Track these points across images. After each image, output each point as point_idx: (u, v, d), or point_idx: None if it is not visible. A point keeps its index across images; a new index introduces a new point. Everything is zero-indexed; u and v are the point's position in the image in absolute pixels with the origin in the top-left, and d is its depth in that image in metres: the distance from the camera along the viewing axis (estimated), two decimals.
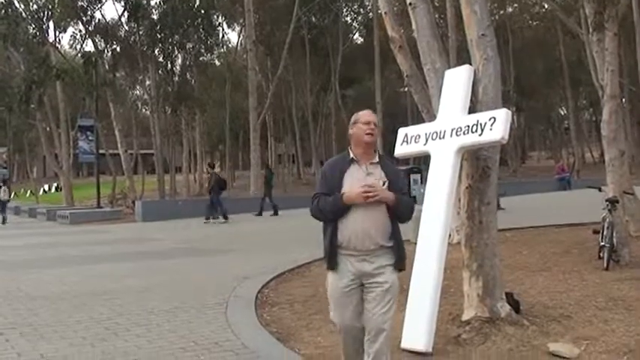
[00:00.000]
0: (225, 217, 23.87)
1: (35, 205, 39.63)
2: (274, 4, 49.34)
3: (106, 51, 43.41)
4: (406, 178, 33.91)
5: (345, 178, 4.45)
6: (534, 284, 8.38)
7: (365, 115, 4.61)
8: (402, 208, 4.48)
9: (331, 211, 4.43)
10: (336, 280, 4.50)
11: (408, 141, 6.87)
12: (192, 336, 6.55)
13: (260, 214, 26.35)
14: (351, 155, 4.54)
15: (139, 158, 56.13)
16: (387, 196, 4.38)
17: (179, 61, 46.34)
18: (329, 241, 4.46)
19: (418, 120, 8.90)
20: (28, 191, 63.18)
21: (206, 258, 13.31)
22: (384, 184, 4.43)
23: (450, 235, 7.38)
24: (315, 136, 57.20)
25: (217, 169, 26.91)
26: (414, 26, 7.30)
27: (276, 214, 26.36)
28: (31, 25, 37.76)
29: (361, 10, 58.33)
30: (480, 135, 6.01)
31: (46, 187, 67.14)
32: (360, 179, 4.41)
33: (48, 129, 45.42)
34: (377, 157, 4.58)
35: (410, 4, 7.28)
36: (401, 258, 4.50)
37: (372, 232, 4.39)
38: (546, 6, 44.87)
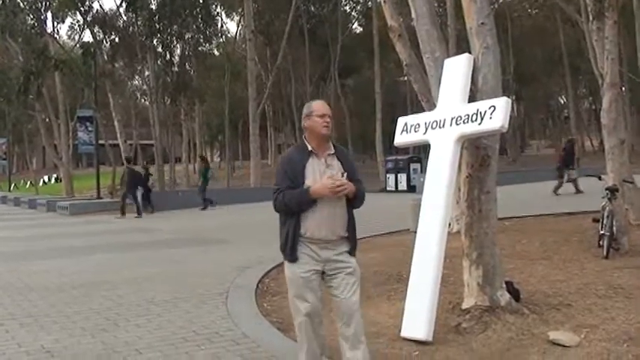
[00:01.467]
0: (139, 213, 23.58)
1: (35, 196, 39.54)
2: None
3: (104, 41, 43.32)
4: (406, 167, 33.98)
5: (307, 170, 4.54)
6: (534, 273, 8.39)
7: (319, 107, 4.68)
8: (360, 197, 4.66)
9: (297, 205, 4.51)
10: (298, 268, 4.56)
11: (408, 130, 6.86)
12: (192, 326, 6.56)
13: (205, 207, 25.92)
14: (309, 147, 4.62)
15: (138, 149, 56.12)
16: (352, 189, 4.54)
17: (178, 51, 46.20)
18: (292, 233, 4.53)
19: (418, 109, 8.89)
20: (28, 182, 63.16)
21: (206, 248, 13.32)
22: (342, 175, 4.53)
23: (449, 224, 7.38)
24: None
25: (151, 167, 26.68)
26: (413, 15, 7.26)
27: (204, 208, 25.82)
28: (29, 15, 37.64)
29: None
30: (479, 124, 6.00)
31: (46, 178, 67.13)
32: (320, 171, 4.54)
33: (47, 120, 45.38)
34: (332, 147, 4.68)
35: None
36: (355, 246, 4.69)
37: (334, 224, 4.55)
38: None
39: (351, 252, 4.65)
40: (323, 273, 4.60)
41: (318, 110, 4.63)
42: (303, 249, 4.55)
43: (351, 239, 4.65)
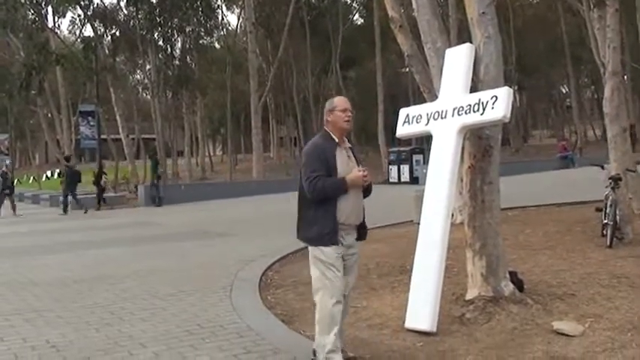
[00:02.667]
0: (65, 211, 24.13)
1: (38, 192, 39.60)
2: None
3: (105, 36, 43.32)
4: (408, 158, 33.96)
5: (337, 159, 4.88)
6: (538, 263, 8.39)
7: (342, 102, 5.03)
8: (370, 190, 5.09)
9: (334, 192, 4.80)
10: (333, 250, 4.82)
11: (410, 121, 6.85)
12: (197, 319, 6.57)
13: (156, 203, 26.08)
14: (336, 139, 4.95)
15: (140, 143, 56.13)
16: (370, 179, 4.97)
17: (179, 44, 46.18)
18: (332, 220, 4.81)
19: (419, 100, 8.90)
20: (31, 177, 63.23)
21: (210, 241, 13.34)
22: (358, 167, 4.96)
23: (452, 215, 7.38)
24: (317, 119, 57.03)
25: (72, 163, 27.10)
26: (414, 5, 7.25)
27: (159, 205, 25.89)
28: (30, 10, 37.62)
29: None
30: (481, 114, 5.98)
31: (49, 173, 67.12)
32: (346, 162, 4.93)
33: (49, 115, 45.44)
34: (346, 140, 5.08)
35: None
36: (366, 231, 5.16)
37: (360, 211, 4.99)
38: None
39: (360, 238, 5.07)
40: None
41: (340, 105, 4.98)
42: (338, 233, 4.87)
43: (363, 226, 5.08)
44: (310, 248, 4.98)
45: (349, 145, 5.05)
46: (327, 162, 4.82)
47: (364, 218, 5.06)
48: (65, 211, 24.09)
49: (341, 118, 4.93)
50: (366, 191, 5.04)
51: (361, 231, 5.07)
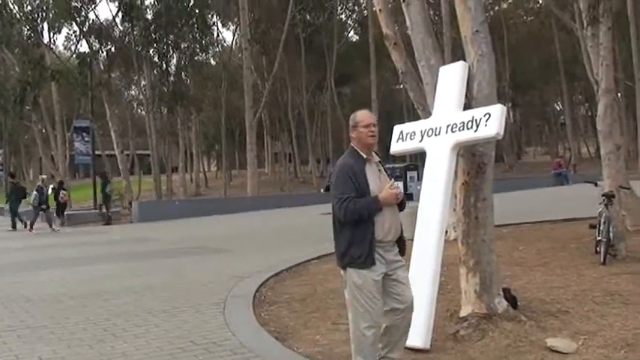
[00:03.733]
0: (13, 227, 24.17)
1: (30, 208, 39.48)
2: (269, 3, 49.34)
3: (100, 51, 43.43)
4: (403, 175, 34.01)
5: (368, 177, 4.73)
6: (531, 280, 8.39)
7: (365, 118, 4.85)
8: (404, 204, 4.94)
9: (368, 212, 4.65)
10: (370, 272, 4.65)
11: (404, 138, 6.87)
12: (190, 336, 6.55)
13: (107, 222, 26.25)
14: (364, 155, 4.81)
15: (135, 159, 56.16)
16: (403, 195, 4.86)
17: (174, 60, 46.32)
18: (370, 240, 4.65)
19: (414, 117, 8.94)
20: (52, 192, 62.98)
21: (204, 257, 13.30)
22: (390, 180, 4.87)
23: (446, 232, 7.38)
24: (312, 135, 57.22)
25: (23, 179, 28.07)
26: (408, 23, 7.28)
27: (108, 224, 26.02)
28: (25, 26, 37.72)
29: (356, 7, 58.47)
30: (475, 131, 6.01)
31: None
32: (377, 178, 4.80)
33: (44, 130, 45.38)
34: (375, 155, 4.93)
35: (403, 0, 7.26)
36: (405, 245, 4.96)
37: (397, 227, 4.84)
38: (541, 1, 44.98)
39: (401, 251, 4.93)
40: (385, 275, 4.75)
41: (363, 121, 4.83)
42: (374, 253, 4.70)
43: (402, 240, 4.92)
44: (345, 272, 4.81)
45: (378, 159, 4.92)
46: (357, 182, 4.67)
47: (402, 232, 4.93)
48: (14, 227, 24.14)
49: (365, 134, 4.79)
50: (400, 205, 4.89)
51: (400, 245, 4.91)
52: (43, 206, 23.48)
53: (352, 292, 4.72)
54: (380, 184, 4.75)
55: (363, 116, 4.87)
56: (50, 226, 23.02)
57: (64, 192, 27.38)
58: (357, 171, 4.71)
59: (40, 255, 15.16)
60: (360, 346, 4.75)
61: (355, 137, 4.83)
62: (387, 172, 4.97)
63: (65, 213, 27.22)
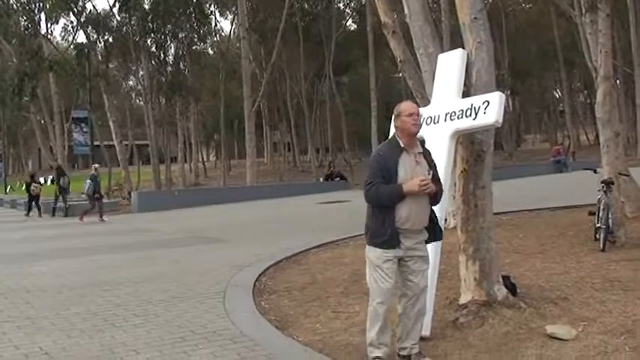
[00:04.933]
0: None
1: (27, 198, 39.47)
2: None
3: (98, 42, 43.34)
4: None
5: (399, 166, 4.92)
6: (531, 267, 8.40)
7: (408, 107, 5.05)
8: (439, 197, 5.13)
9: (389, 199, 4.88)
10: (385, 252, 4.93)
11: None
12: (190, 325, 6.56)
13: (53, 214, 27.05)
14: (402, 144, 4.99)
15: (134, 149, 56.09)
16: (434, 189, 4.94)
17: (172, 50, 46.24)
18: (390, 225, 4.89)
19: None
20: (24, 184, 63.01)
21: (203, 247, 13.31)
22: (429, 173, 4.97)
23: (446, 220, 7.39)
24: (311, 124, 57.16)
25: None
26: (406, 11, 7.25)
27: (65, 214, 26.50)
28: (22, 17, 37.59)
29: None
30: (474, 119, 6.00)
31: (42, 179, 67.00)
32: (412, 167, 4.95)
33: (42, 121, 45.36)
34: (420, 146, 5.12)
35: None
36: (435, 233, 5.21)
37: (420, 217, 5.00)
38: None
39: (428, 240, 5.14)
40: (400, 259, 4.98)
41: (406, 110, 5.00)
42: (395, 239, 4.93)
43: (430, 230, 5.12)
44: (366, 248, 5.11)
45: (420, 151, 5.06)
46: (387, 169, 4.90)
47: (436, 220, 5.17)
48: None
49: (408, 122, 4.96)
50: (434, 198, 5.05)
51: (432, 233, 5.16)
52: (97, 195, 23.26)
53: (369, 268, 5.05)
54: (413, 174, 4.89)
55: (407, 106, 5.07)
56: (101, 216, 22.79)
57: (36, 184, 28.27)
58: (387, 159, 4.95)
59: (40, 246, 15.17)
60: (373, 320, 5.02)
61: (398, 126, 5.03)
62: (429, 164, 5.05)
63: (40, 204, 28.10)
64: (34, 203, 27.90)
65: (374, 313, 5.00)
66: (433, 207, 5.16)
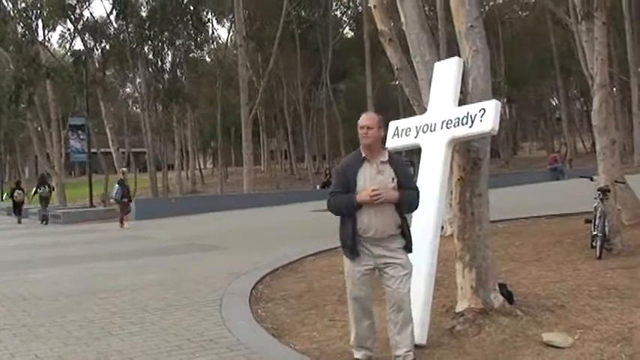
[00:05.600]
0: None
1: (28, 206, 39.47)
2: None
3: (95, 49, 43.31)
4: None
5: (359, 176, 5.05)
6: (527, 275, 8.41)
7: (361, 120, 5.17)
8: (405, 204, 5.10)
9: (345, 208, 5.06)
10: (355, 265, 5.10)
11: (399, 134, 6.89)
12: (186, 333, 6.55)
13: (43, 221, 27.94)
14: (363, 154, 5.13)
15: (130, 156, 56.04)
16: (391, 196, 4.98)
17: (169, 58, 46.29)
18: (351, 233, 5.02)
19: (409, 113, 8.93)
20: (10, 192, 62.71)
21: (200, 254, 13.30)
22: (392, 181, 5.03)
23: (442, 228, 7.39)
24: (308, 131, 57.18)
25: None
26: (402, 19, 7.28)
27: (43, 222, 27.80)
28: (19, 24, 37.61)
29: (351, 3, 58.38)
30: (470, 127, 6.02)
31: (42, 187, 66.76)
32: (372, 177, 5.03)
33: (39, 128, 45.26)
34: (386, 155, 5.17)
35: None
36: (409, 241, 5.14)
37: (381, 225, 5.00)
38: None
39: (406, 248, 5.13)
40: (376, 269, 5.10)
41: (360, 123, 5.15)
42: (360, 247, 5.05)
43: (404, 236, 5.11)
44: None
45: (384, 160, 5.10)
46: (347, 179, 5.07)
47: (404, 229, 5.12)
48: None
49: (360, 134, 5.13)
50: (400, 206, 5.06)
51: (406, 242, 5.15)
52: (125, 200, 23.13)
53: (345, 276, 5.25)
54: (372, 183, 4.97)
55: (361, 118, 5.18)
56: (121, 221, 22.73)
57: (19, 191, 29.09)
58: (348, 169, 5.13)
59: (36, 253, 15.15)
60: (351, 324, 5.29)
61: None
62: (397, 172, 5.07)
63: (22, 210, 29.46)
64: (17, 210, 28.90)
65: (352, 318, 5.25)
66: (411, 214, 5.33)
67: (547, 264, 9.17)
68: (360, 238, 5.01)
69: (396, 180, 5.03)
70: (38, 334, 6.79)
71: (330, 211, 5.18)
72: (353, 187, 5.01)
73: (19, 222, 28.10)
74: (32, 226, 26.71)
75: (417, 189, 5.20)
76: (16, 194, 28.72)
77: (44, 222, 27.88)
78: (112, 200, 23.83)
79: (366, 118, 5.16)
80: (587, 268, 8.67)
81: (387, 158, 5.12)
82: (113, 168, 42.79)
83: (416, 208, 5.25)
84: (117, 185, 23.14)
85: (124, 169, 27.04)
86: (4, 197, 54.85)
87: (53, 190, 30.75)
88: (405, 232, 5.12)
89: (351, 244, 5.02)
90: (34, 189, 29.52)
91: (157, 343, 6.21)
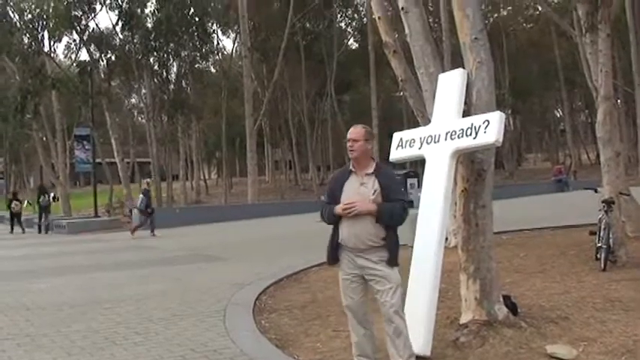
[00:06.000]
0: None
1: (32, 216, 39.53)
2: (269, 11, 49.42)
3: (100, 60, 43.48)
4: (403, 182, 33.97)
5: (344, 188, 5.17)
6: (531, 286, 8.39)
7: (349, 133, 5.28)
8: (384, 215, 5.04)
9: (328, 219, 5.23)
10: (341, 271, 5.27)
11: (403, 145, 6.89)
12: (190, 344, 6.54)
13: (42, 231, 28.86)
14: (350, 167, 5.25)
15: (135, 166, 56.21)
16: (366, 209, 5.01)
17: (174, 69, 46.44)
18: (331, 241, 5.23)
19: (414, 124, 8.91)
20: (25, 201, 62.85)
21: (204, 265, 13.31)
22: (374, 193, 5.06)
23: (446, 239, 7.38)
24: (312, 142, 57.23)
25: None
26: (407, 31, 7.29)
27: (41, 232, 28.77)
28: (25, 35, 37.80)
29: (355, 15, 58.50)
30: (474, 138, 6.02)
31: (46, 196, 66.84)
32: (354, 189, 5.12)
33: (44, 139, 45.41)
34: (373, 167, 5.20)
35: (402, 8, 7.27)
36: (392, 255, 5.10)
37: (362, 236, 5.06)
38: (540, 8, 45.00)
39: (389, 262, 5.09)
40: (363, 278, 5.17)
41: (348, 136, 5.27)
42: (343, 256, 5.20)
43: (388, 249, 5.09)
44: None
45: (369, 172, 5.15)
46: (332, 191, 5.25)
47: (388, 242, 5.07)
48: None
49: (348, 148, 5.25)
50: (380, 218, 5.02)
51: (389, 254, 5.13)
52: (149, 210, 23.21)
53: None
54: (355, 196, 5.06)
55: (350, 131, 5.30)
56: (152, 231, 22.67)
57: (17, 202, 29.40)
58: (335, 181, 5.35)
59: (41, 263, 15.16)
60: (351, 332, 5.38)
61: None
62: (382, 184, 5.08)
63: (22, 220, 29.64)
64: (15, 220, 29.09)
65: (349, 325, 5.37)
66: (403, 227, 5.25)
67: (551, 276, 9.15)
68: (343, 247, 5.16)
69: (377, 192, 5.05)
70: (42, 344, 6.79)
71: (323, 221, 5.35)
72: (338, 198, 5.15)
73: (23, 232, 28.49)
74: (36, 236, 26.75)
75: (402, 201, 5.17)
76: (13, 205, 29.12)
77: (46, 231, 28.45)
78: (135, 210, 23.78)
79: (353, 132, 5.27)
80: (591, 280, 8.65)
81: (372, 170, 5.17)
82: (118, 178, 42.86)
83: (399, 220, 5.10)
84: (141, 195, 23.27)
85: (149, 179, 27.18)
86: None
87: (54, 200, 31.38)
88: (389, 245, 5.08)
89: (330, 250, 5.22)
90: (36, 199, 30.11)
91: (160, 354, 6.21)
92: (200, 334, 6.97)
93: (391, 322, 5.08)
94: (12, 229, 28.81)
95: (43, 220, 29.02)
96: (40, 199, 29.23)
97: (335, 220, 5.14)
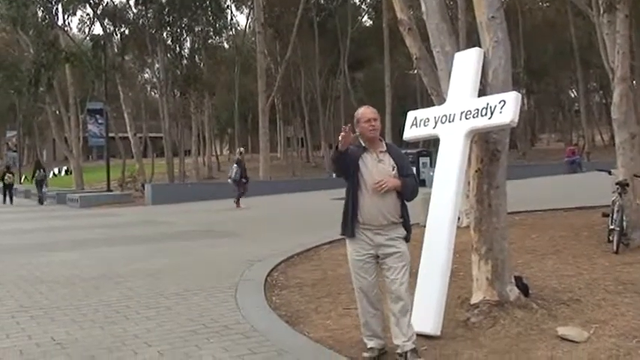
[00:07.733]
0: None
1: (45, 189, 39.81)
2: None
3: (114, 34, 43.44)
4: (415, 161, 33.91)
5: (361, 162, 5.17)
6: (543, 268, 8.37)
7: (365, 114, 5.27)
8: (407, 191, 5.23)
9: (332, 155, 5.19)
10: (355, 252, 5.22)
11: (417, 124, 6.85)
12: (202, 319, 6.59)
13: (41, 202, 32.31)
14: (364, 144, 5.25)
15: (148, 142, 56.28)
16: (394, 184, 5.12)
17: (188, 44, 46.29)
18: (350, 214, 5.16)
19: (427, 103, 8.88)
20: (23, 176, 63.17)
21: (216, 241, 13.35)
22: (393, 169, 5.16)
23: (459, 219, 7.36)
24: (324, 120, 57.13)
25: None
26: (423, 9, 7.23)
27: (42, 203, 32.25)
28: (39, 8, 37.73)
29: None
30: (489, 118, 5.98)
31: (56, 170, 67.29)
32: (374, 165, 5.17)
33: (57, 112, 45.51)
34: (384, 145, 5.30)
35: None
36: (408, 231, 5.25)
37: (385, 210, 5.12)
38: None
39: (406, 238, 5.23)
40: (377, 257, 5.17)
41: (364, 117, 5.24)
42: (360, 235, 5.17)
43: (404, 226, 5.22)
44: None
45: (383, 149, 5.23)
46: (351, 158, 5.13)
47: (405, 217, 5.23)
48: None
49: (366, 129, 5.19)
50: (402, 193, 5.18)
51: (404, 232, 5.24)
52: (244, 180, 23.05)
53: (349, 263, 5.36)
54: (375, 171, 5.12)
55: (365, 112, 5.28)
56: (237, 201, 22.62)
57: (10, 175, 32.87)
58: (353, 152, 5.16)
59: (53, 237, 15.27)
60: (359, 312, 5.37)
61: (359, 132, 5.26)
62: (395, 161, 5.21)
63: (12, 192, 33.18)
64: (7, 191, 32.73)
65: (359, 306, 5.34)
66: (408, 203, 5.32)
67: (563, 257, 9.12)
68: (360, 225, 5.14)
69: (396, 168, 5.17)
70: (55, 317, 6.85)
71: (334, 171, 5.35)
72: (355, 170, 5.14)
73: (11, 202, 32.09)
74: (47, 209, 26.90)
75: (414, 176, 5.37)
76: (6, 177, 32.44)
77: (41, 203, 31.99)
78: (229, 180, 23.50)
79: (369, 112, 5.26)
80: (603, 263, 8.61)
81: (385, 148, 5.27)
82: (130, 153, 42.98)
83: (416, 195, 5.33)
84: (235, 165, 23.12)
85: (242, 149, 27.17)
86: (22, 180, 55.35)
87: (67, 173, 34.48)
88: (406, 223, 5.23)
89: (347, 224, 5.19)
90: (32, 174, 33.89)
91: (172, 328, 6.26)
92: (211, 309, 7.01)
93: (400, 299, 5.07)
94: (4, 199, 32.23)
95: (43, 190, 32.64)
96: (36, 174, 33.09)
97: (335, 155, 5.09)
